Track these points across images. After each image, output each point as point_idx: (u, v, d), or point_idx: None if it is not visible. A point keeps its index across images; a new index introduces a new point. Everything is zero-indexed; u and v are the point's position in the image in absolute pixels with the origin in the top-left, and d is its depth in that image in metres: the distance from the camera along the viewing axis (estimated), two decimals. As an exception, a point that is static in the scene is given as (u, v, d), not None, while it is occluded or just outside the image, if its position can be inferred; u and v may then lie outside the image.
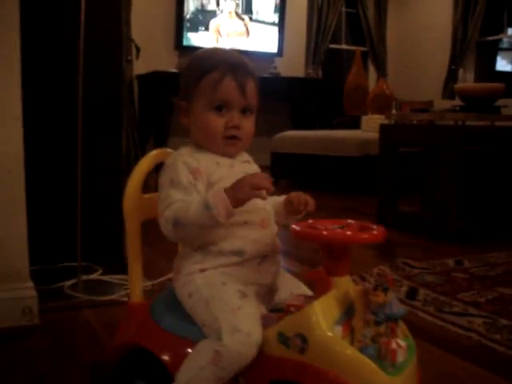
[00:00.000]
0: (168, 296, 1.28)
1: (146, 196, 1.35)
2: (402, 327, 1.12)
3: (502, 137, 3.62)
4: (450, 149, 3.27)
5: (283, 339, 1.05)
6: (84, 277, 2.29)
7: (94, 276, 2.36)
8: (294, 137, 5.86)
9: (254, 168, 1.32)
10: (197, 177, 1.19)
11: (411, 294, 2.23)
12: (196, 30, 7.21)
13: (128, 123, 6.85)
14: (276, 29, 7.67)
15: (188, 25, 7.15)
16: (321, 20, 8.07)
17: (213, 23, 7.27)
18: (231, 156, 1.27)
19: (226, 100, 1.21)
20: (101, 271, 2.40)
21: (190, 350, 1.12)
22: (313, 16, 8.04)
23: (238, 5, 7.41)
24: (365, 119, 5.77)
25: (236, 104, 1.22)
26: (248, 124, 1.25)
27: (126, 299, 2.12)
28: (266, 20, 7.61)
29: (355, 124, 6.22)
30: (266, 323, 1.10)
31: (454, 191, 3.26)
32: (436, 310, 2.06)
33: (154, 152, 1.39)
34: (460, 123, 3.38)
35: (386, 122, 3.98)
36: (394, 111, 5.81)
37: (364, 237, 1.06)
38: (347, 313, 1.06)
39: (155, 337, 1.22)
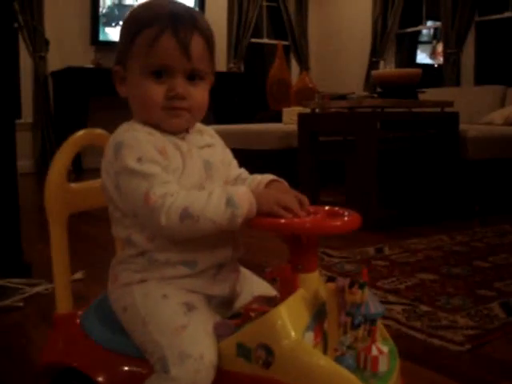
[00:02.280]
0: (102, 304, 1.07)
1: (73, 185, 1.13)
2: (380, 329, 0.96)
3: (420, 123, 3.58)
4: (369, 136, 3.20)
5: (243, 351, 0.87)
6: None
7: (-15, 280, 2.14)
8: (216, 131, 5.70)
9: (217, 153, 1.08)
10: (165, 159, 0.96)
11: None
12: (112, 24, 6.95)
13: (43, 123, 6.56)
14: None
15: (104, 20, 6.89)
16: (241, 14, 7.94)
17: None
18: (178, 131, 1.02)
19: (164, 63, 0.97)
20: (-5, 274, 2.19)
21: (128, 368, 0.95)
22: (233, 10, 7.91)
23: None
24: (286, 111, 5.68)
25: (179, 68, 0.97)
26: (197, 92, 1.00)
27: (21, 304, 1.94)
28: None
29: (278, 118, 6.12)
30: (221, 332, 0.92)
31: (373, 179, 3.19)
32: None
33: (81, 133, 1.17)
34: (378, 110, 3.31)
35: (306, 111, 3.89)
36: (317, 100, 5.74)
37: (336, 224, 0.90)
38: (318, 315, 0.90)
39: (87, 354, 1.02)
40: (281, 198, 0.93)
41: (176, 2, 1.03)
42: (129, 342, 0.97)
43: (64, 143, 1.13)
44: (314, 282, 0.92)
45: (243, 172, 1.14)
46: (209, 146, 1.08)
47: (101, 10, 6.85)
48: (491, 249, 2.70)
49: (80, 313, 1.12)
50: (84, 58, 6.65)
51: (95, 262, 2.36)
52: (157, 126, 1.00)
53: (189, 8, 1.02)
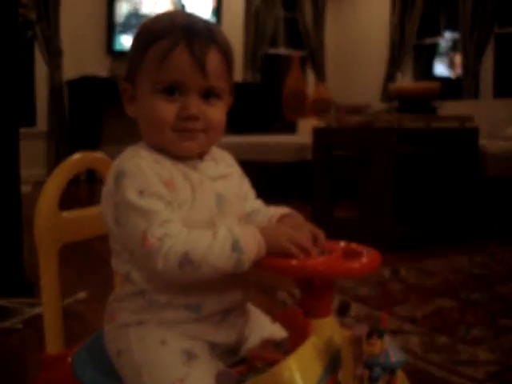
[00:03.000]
0: (97, 343, 0.98)
1: (65, 214, 1.04)
2: (400, 377, 0.86)
3: (438, 138, 3.48)
4: (385, 151, 3.10)
5: None
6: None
7: (-15, 300, 2.07)
8: (230, 142, 5.64)
9: (232, 186, 0.97)
10: (171, 191, 0.87)
11: (342, 310, 2.02)
12: (129, 33, 6.91)
13: (57, 132, 6.54)
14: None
15: (120, 28, 6.85)
16: (258, 24, 7.88)
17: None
18: (190, 155, 0.92)
19: (177, 79, 0.87)
20: (-3, 294, 2.12)
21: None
22: (250, 20, 7.85)
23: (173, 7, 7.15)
24: (301, 123, 5.61)
25: (193, 85, 0.87)
26: (213, 112, 0.90)
27: (20, 326, 1.87)
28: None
29: (294, 129, 6.05)
30: (223, 383, 0.82)
31: (389, 196, 3.09)
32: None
33: (76, 156, 1.07)
34: (395, 125, 3.22)
35: (321, 125, 3.81)
36: (333, 114, 5.66)
37: (353, 267, 0.82)
38: (332, 366, 0.80)
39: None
40: (293, 234, 0.84)
41: (191, 14, 0.93)
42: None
43: (57, 167, 1.04)
44: (327, 329, 0.83)
45: (259, 204, 1.04)
46: (224, 176, 0.96)
47: (117, 18, 6.81)
48: (511, 272, 2.60)
49: (72, 351, 1.03)
50: (99, 67, 6.61)
51: (100, 281, 2.29)
52: (167, 151, 0.90)
53: (205, 20, 0.92)
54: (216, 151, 1.00)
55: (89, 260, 2.67)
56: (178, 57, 0.86)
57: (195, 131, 0.90)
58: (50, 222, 1.01)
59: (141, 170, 0.86)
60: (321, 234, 0.89)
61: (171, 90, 0.88)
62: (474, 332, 1.82)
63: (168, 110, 0.88)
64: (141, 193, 0.84)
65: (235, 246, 0.80)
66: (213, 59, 0.88)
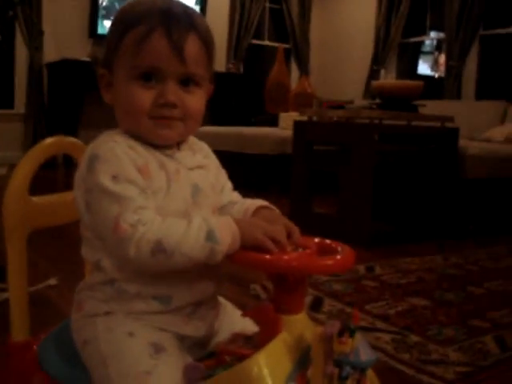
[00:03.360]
0: (64, 333, 0.95)
1: (35, 199, 1.01)
2: (370, 377, 0.85)
3: (418, 137, 3.48)
4: (365, 148, 3.09)
5: None
6: None
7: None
8: (210, 132, 5.60)
9: (208, 177, 0.95)
10: (146, 178, 0.84)
11: (315, 305, 2.01)
12: (112, 17, 6.83)
13: (35, 115, 6.45)
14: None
15: (103, 12, 6.77)
16: (243, 14, 7.84)
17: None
18: (168, 144, 0.89)
19: (153, 65, 0.84)
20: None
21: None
22: (235, 9, 7.81)
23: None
24: (283, 116, 5.59)
25: (171, 72, 0.85)
26: (192, 100, 0.88)
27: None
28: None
29: (275, 122, 6.03)
30: (191, 376, 0.80)
31: (368, 192, 3.08)
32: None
33: (49, 140, 1.03)
34: (376, 121, 3.21)
35: (302, 118, 3.79)
36: (315, 108, 5.65)
37: (326, 263, 0.80)
38: (301, 362, 0.79)
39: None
40: (268, 228, 0.82)
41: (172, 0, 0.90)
42: (88, 378, 0.86)
43: (29, 151, 1.01)
44: (298, 325, 0.81)
45: (236, 196, 1.02)
46: (201, 167, 0.94)
47: (100, 2, 6.72)
48: (486, 273, 2.61)
49: (38, 339, 1.01)
50: (81, 51, 6.54)
51: (71, 266, 2.26)
52: (143, 139, 0.88)
53: (185, 6, 0.89)
54: (194, 141, 0.98)
55: (61, 246, 2.63)
56: (155, 42, 0.84)
57: (172, 119, 0.87)
58: (19, 207, 0.98)
59: (115, 154, 0.83)
60: (295, 229, 0.88)
61: (148, 77, 0.86)
62: (445, 332, 1.82)
63: (144, 96, 0.86)
64: (114, 178, 0.81)
65: (210, 236, 0.78)
66: (191, 45, 0.86)
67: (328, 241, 0.90)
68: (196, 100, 0.89)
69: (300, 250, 0.84)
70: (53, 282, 2.11)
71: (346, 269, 0.82)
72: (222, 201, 0.99)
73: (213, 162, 1.00)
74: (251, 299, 2.05)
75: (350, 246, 0.87)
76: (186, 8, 0.89)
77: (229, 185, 1.03)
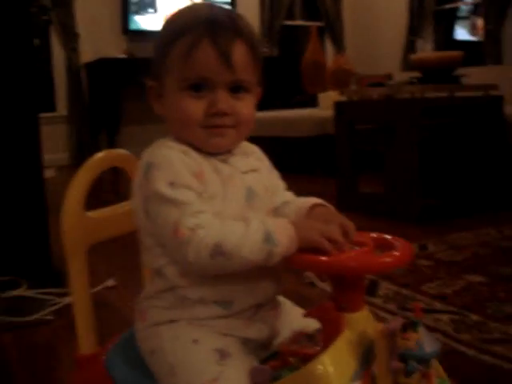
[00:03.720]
0: (129, 342, 0.97)
1: (91, 214, 1.02)
2: (435, 368, 0.84)
3: (462, 108, 3.42)
4: (408, 124, 3.06)
5: None
6: (5, 293, 2.02)
7: (16, 292, 2.08)
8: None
9: (262, 179, 0.95)
10: (201, 183, 0.85)
11: (371, 289, 2.01)
12: (143, 12, 6.86)
13: (77, 115, 6.55)
14: (228, 7, 7.32)
15: (134, 8, 6.81)
16: (274, -5, 7.78)
17: (160, 3, 6.91)
18: (221, 151, 0.90)
19: (203, 75, 0.85)
20: (26, 286, 2.13)
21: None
22: (266, -8, 7.75)
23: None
24: (322, 97, 5.55)
25: (220, 80, 0.86)
26: (243, 107, 0.89)
27: (50, 317, 1.88)
28: (216, -1, 7.29)
29: (314, 102, 6.00)
30: (258, 380, 0.81)
31: (415, 169, 3.05)
32: (398, 308, 1.84)
33: (100, 154, 1.05)
34: (418, 96, 3.16)
35: (342, 98, 3.76)
36: (352, 86, 5.60)
37: (385, 261, 0.80)
38: (365, 359, 0.79)
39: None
40: (325, 228, 0.82)
41: (214, 6, 0.91)
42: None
43: (82, 167, 1.02)
44: (360, 323, 0.81)
45: (289, 196, 1.02)
46: (254, 170, 0.95)
47: (130, -2, 6.76)
48: (542, 243, 2.56)
49: (105, 349, 1.03)
50: (116, 48, 6.60)
51: (127, 265, 2.30)
52: (196, 147, 0.89)
53: (229, 12, 0.90)
54: (245, 144, 0.98)
55: (116, 246, 2.68)
56: (203, 52, 0.85)
57: (224, 127, 0.88)
58: (76, 224, 0.99)
59: (170, 161, 0.85)
60: (351, 226, 0.87)
61: (198, 87, 0.87)
62: (505, 308, 1.80)
63: (196, 106, 0.87)
64: (171, 184, 0.83)
65: (267, 238, 0.79)
66: (238, 52, 0.86)
67: (385, 235, 0.89)
68: (246, 106, 0.90)
69: (357, 248, 0.84)
70: (111, 283, 2.16)
71: (405, 265, 0.82)
72: (277, 202, 0.99)
73: (265, 163, 1.00)
74: (306, 287, 2.06)
75: (400, 230, 0.87)
76: (229, 13, 0.89)
77: (281, 185, 1.03)
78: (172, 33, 0.88)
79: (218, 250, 0.79)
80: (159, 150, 0.88)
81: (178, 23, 0.88)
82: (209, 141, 0.88)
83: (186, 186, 0.83)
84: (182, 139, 0.90)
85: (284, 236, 0.80)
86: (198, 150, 0.89)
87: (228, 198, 0.88)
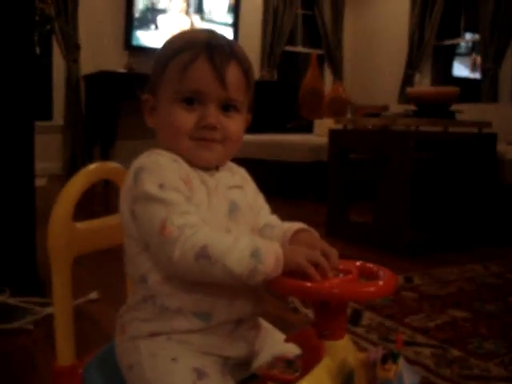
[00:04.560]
0: (108, 356, 0.96)
1: (79, 225, 1.02)
2: None
3: (456, 143, 3.45)
4: (402, 155, 3.08)
5: None
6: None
7: (-2, 299, 2.07)
8: (245, 141, 5.63)
9: (246, 197, 0.97)
10: (189, 189, 0.87)
11: (354, 318, 2.01)
12: (145, 28, 6.90)
13: (73, 126, 6.55)
14: (230, 30, 7.41)
15: (137, 23, 6.85)
16: (276, 21, 7.86)
17: (161, 21, 6.95)
18: (208, 165, 0.93)
19: (197, 89, 0.89)
20: (8, 293, 2.11)
21: None
22: (268, 17, 7.83)
23: (188, 4, 7.11)
24: (318, 123, 5.59)
25: (212, 96, 0.89)
26: (232, 124, 0.92)
27: (31, 327, 1.87)
28: (219, 20, 7.35)
29: (310, 128, 6.03)
30: None
31: (406, 201, 3.06)
32: (380, 338, 1.84)
33: (93, 166, 1.05)
34: (412, 129, 3.19)
35: (338, 126, 3.78)
36: (349, 115, 5.64)
37: (369, 290, 0.80)
38: None
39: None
40: (310, 253, 0.83)
41: (214, 31, 0.96)
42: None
43: (73, 177, 1.02)
44: (341, 351, 0.81)
45: (274, 219, 1.03)
46: (239, 187, 0.97)
47: (134, 13, 6.80)
48: (527, 282, 2.57)
49: (83, 362, 1.02)
50: (117, 62, 6.62)
51: (111, 279, 2.29)
52: (184, 159, 0.91)
53: (227, 38, 0.95)
54: (232, 165, 1.01)
55: (101, 259, 2.67)
56: (199, 67, 0.89)
57: (213, 141, 0.91)
58: (63, 234, 0.99)
59: (160, 165, 0.87)
60: (334, 253, 0.87)
61: (190, 100, 0.90)
62: (486, 345, 1.80)
63: (187, 118, 0.90)
64: (161, 186, 0.84)
65: (255, 254, 0.79)
66: (232, 72, 0.91)
67: (369, 264, 0.90)
68: (236, 124, 0.93)
69: (341, 275, 0.85)
70: (94, 296, 2.15)
71: (388, 294, 0.82)
72: (260, 223, 1.00)
73: (250, 185, 1.02)
74: (290, 313, 2.06)
75: (387, 261, 0.87)
76: (227, 39, 0.94)
77: (266, 208, 1.04)
78: (171, 50, 0.92)
79: (203, 253, 0.79)
80: (149, 157, 0.90)
81: (178, 42, 0.93)
82: (197, 153, 0.91)
83: (174, 188, 0.85)
84: (172, 151, 0.91)
85: (271, 256, 0.80)
86: (187, 161, 0.91)
87: (212, 208, 0.89)
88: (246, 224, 0.95)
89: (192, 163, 0.91)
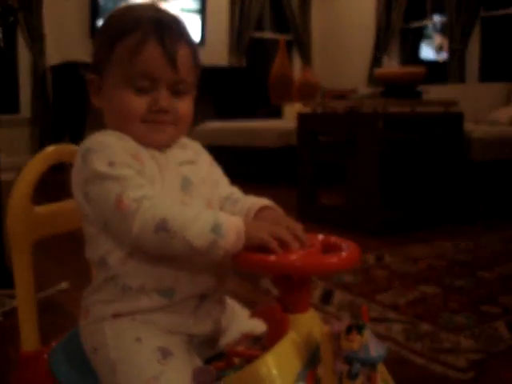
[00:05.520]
0: (73, 340, 0.95)
1: (38, 209, 1.01)
2: (381, 372, 0.84)
3: (423, 123, 3.47)
4: (370, 137, 3.09)
5: None
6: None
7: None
8: (215, 128, 5.61)
9: (199, 171, 0.96)
10: (140, 165, 0.86)
11: (326, 298, 2.02)
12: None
13: (41, 118, 6.47)
14: (197, 16, 7.36)
15: (102, 11, 6.75)
16: (244, 7, 7.80)
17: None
18: (160, 146, 0.92)
19: (148, 73, 0.87)
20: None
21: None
22: (235, 3, 7.78)
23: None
24: (287, 108, 5.58)
25: (163, 79, 0.88)
26: (183, 105, 0.91)
27: (1, 319, 1.84)
28: (186, 7, 7.29)
29: (280, 114, 6.03)
30: (201, 380, 0.80)
31: (375, 181, 3.08)
32: (351, 316, 1.85)
33: (50, 149, 1.04)
34: (380, 110, 3.20)
35: (306, 110, 3.78)
36: (318, 99, 5.64)
37: (331, 261, 0.79)
38: (311, 361, 0.79)
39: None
40: (273, 229, 0.82)
41: (160, 7, 0.93)
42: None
43: (30, 161, 1.02)
44: (306, 324, 0.81)
45: (235, 192, 1.02)
46: (190, 162, 0.96)
47: (99, 1, 6.71)
48: (496, 258, 2.60)
49: (49, 348, 1.01)
50: (83, 52, 6.53)
51: (82, 269, 2.26)
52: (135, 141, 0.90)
53: (173, 15, 0.93)
54: (185, 140, 1.00)
55: (70, 248, 2.64)
56: (150, 51, 0.87)
57: (165, 124, 0.91)
58: (22, 218, 0.98)
59: (107, 144, 0.86)
60: (299, 228, 0.87)
61: (142, 84, 0.88)
62: (457, 319, 1.82)
63: (138, 103, 0.88)
64: (110, 164, 0.83)
65: (215, 228, 0.78)
66: (183, 54, 0.89)
67: (332, 237, 0.89)
68: (186, 105, 0.93)
69: (305, 248, 0.84)
70: (63, 286, 2.13)
71: (351, 266, 0.82)
72: (221, 193, 1.00)
73: (205, 158, 1.01)
74: (261, 295, 2.06)
75: (358, 241, 0.87)
76: (175, 16, 0.93)
77: (224, 179, 1.04)
78: (117, 29, 0.89)
79: (163, 226, 0.78)
80: (95, 137, 0.88)
81: (124, 20, 0.90)
82: (149, 136, 0.90)
83: (125, 164, 0.84)
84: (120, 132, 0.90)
85: (232, 231, 0.79)
86: (137, 141, 0.90)
87: (165, 184, 0.88)
88: (201, 197, 0.94)
89: (142, 144, 0.90)
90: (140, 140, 0.89)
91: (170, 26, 0.89)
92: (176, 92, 0.91)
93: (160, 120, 0.90)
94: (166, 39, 0.87)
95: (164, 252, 0.82)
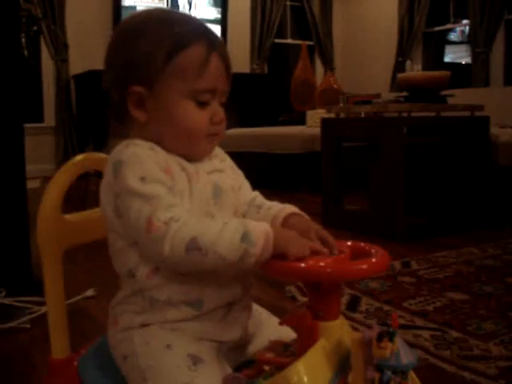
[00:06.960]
0: (102, 348, 0.95)
1: (68, 217, 1.01)
2: (412, 378, 0.83)
3: (448, 128, 3.44)
4: (394, 142, 3.07)
5: None
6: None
7: (-7, 299, 2.05)
8: (239, 135, 5.62)
9: (228, 179, 0.96)
10: (170, 178, 0.85)
11: (352, 305, 2.00)
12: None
13: (65, 127, 6.53)
14: (218, 27, 7.37)
15: (125, 21, 6.81)
16: (265, 14, 7.84)
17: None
18: (203, 157, 0.93)
19: (213, 87, 0.88)
20: (4, 293, 2.10)
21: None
22: (257, 10, 7.81)
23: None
24: (310, 114, 5.56)
25: (221, 91, 0.90)
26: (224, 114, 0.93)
27: (28, 326, 1.86)
28: (206, 17, 7.31)
29: (303, 120, 6.01)
30: None
31: (400, 187, 3.06)
32: (378, 324, 1.83)
33: (79, 157, 1.04)
34: (404, 114, 3.18)
35: (330, 115, 3.77)
36: (341, 105, 5.62)
37: (361, 268, 0.79)
38: (341, 369, 0.78)
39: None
40: (303, 243, 0.81)
41: (190, 15, 0.94)
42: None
43: (59, 170, 1.02)
44: (336, 332, 0.80)
45: (257, 196, 1.02)
46: (218, 171, 0.95)
47: (122, 11, 6.77)
48: (525, 263, 2.56)
49: (78, 355, 1.01)
50: (106, 61, 6.59)
51: (106, 275, 2.28)
52: (183, 155, 0.90)
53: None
54: None
55: (97, 257, 2.66)
56: (216, 65, 0.88)
57: (219, 135, 0.92)
58: (53, 227, 0.98)
59: (139, 157, 0.84)
60: (327, 235, 0.87)
61: (205, 98, 0.89)
62: (486, 326, 1.79)
63: (201, 117, 0.89)
64: (142, 179, 0.82)
65: (245, 237, 0.78)
66: (230, 66, 0.92)
67: (361, 243, 0.89)
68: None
69: (334, 255, 0.84)
70: (90, 293, 2.14)
71: (381, 272, 0.81)
72: (244, 199, 1.00)
73: (229, 164, 1.01)
74: (287, 301, 2.05)
75: (384, 247, 0.86)
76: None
77: (246, 184, 1.03)
78: (174, 39, 0.87)
79: (193, 245, 0.78)
80: (126, 148, 0.86)
81: (177, 31, 0.87)
82: (206, 148, 0.92)
83: (156, 180, 0.83)
84: (174, 149, 0.89)
85: (262, 237, 0.78)
86: (165, 148, 0.89)
87: (194, 194, 0.88)
88: (230, 206, 0.94)
89: (191, 156, 0.90)
90: (191, 153, 0.90)
91: (217, 37, 0.91)
92: (221, 102, 0.92)
93: (218, 132, 0.91)
94: (223, 52, 0.89)
95: (196, 269, 0.82)
